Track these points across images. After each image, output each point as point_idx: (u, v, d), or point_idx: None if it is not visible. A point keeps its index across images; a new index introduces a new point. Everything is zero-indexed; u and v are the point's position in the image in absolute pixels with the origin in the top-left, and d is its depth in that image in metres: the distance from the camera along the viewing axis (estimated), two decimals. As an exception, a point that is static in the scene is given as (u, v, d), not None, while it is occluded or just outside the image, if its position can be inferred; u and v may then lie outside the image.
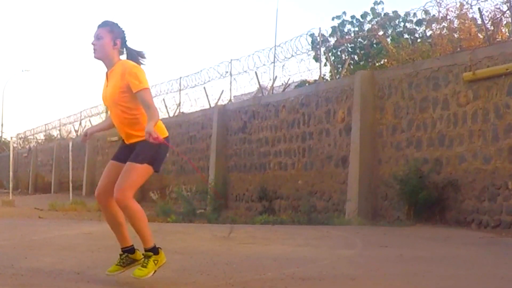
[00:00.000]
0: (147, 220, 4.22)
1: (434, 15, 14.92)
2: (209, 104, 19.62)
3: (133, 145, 4.25)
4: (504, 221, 9.61)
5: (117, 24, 4.35)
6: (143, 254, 4.25)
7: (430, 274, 5.22)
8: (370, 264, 5.87)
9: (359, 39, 20.89)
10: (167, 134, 4.33)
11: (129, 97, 4.16)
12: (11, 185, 24.53)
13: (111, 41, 4.27)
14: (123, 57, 4.39)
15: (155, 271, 4.19)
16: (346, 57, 19.52)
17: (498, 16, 11.88)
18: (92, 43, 4.27)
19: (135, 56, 4.37)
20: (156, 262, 4.20)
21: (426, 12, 15.66)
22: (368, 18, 21.80)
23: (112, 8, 77.97)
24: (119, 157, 4.34)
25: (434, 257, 6.41)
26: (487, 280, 5.03)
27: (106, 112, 27.97)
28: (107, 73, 4.33)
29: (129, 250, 4.36)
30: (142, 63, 4.38)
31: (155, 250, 4.23)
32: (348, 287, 4.66)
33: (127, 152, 4.26)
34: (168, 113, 22.33)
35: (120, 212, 4.29)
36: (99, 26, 4.32)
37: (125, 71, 4.16)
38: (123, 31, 4.36)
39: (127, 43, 4.38)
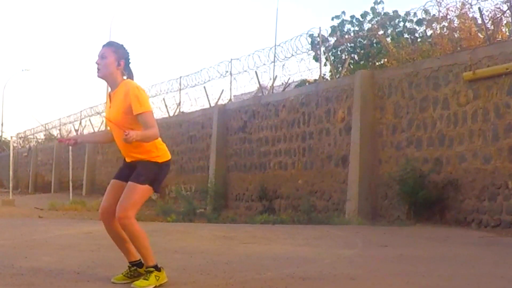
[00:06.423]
0: (148, 239, 4.28)
1: (434, 15, 14.96)
2: (209, 104, 19.61)
3: (134, 163, 4.30)
4: (504, 221, 9.61)
5: (122, 46, 4.37)
6: (144, 270, 4.31)
7: (430, 273, 5.22)
8: (370, 263, 5.87)
9: (359, 39, 20.88)
10: (169, 157, 4.38)
11: (132, 119, 4.16)
12: (11, 185, 24.50)
13: (115, 61, 4.27)
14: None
15: (156, 287, 4.22)
16: (346, 57, 19.50)
17: (498, 15, 11.90)
18: (96, 62, 4.29)
19: (132, 79, 4.39)
20: (157, 278, 4.26)
21: (426, 11, 15.70)
22: (368, 17, 21.79)
23: (112, 7, 77.90)
24: (121, 176, 4.40)
25: (434, 257, 6.41)
26: (487, 280, 5.03)
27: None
28: (110, 94, 4.35)
29: (137, 264, 4.42)
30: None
31: (156, 268, 4.29)
32: (348, 287, 4.66)
33: (129, 171, 4.32)
34: (168, 112, 22.32)
35: None
36: (104, 46, 4.33)
37: (128, 92, 4.18)
38: (127, 53, 4.36)
39: (130, 65, 4.39)
